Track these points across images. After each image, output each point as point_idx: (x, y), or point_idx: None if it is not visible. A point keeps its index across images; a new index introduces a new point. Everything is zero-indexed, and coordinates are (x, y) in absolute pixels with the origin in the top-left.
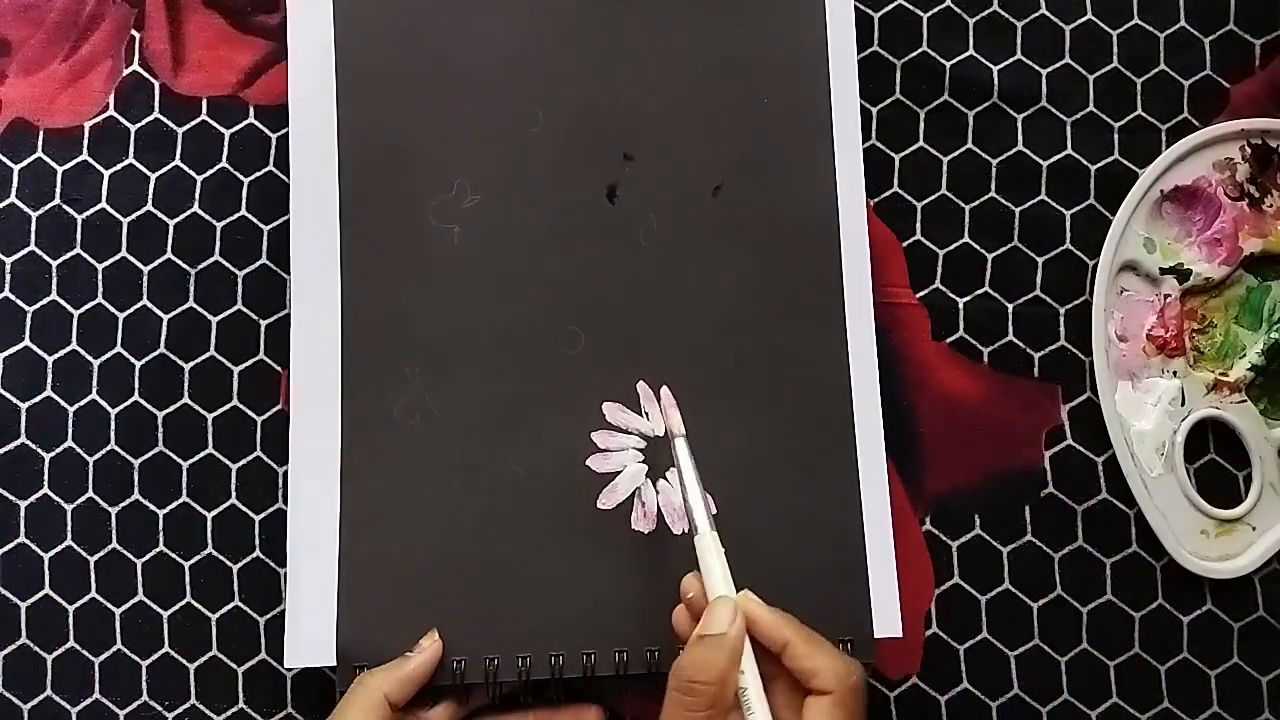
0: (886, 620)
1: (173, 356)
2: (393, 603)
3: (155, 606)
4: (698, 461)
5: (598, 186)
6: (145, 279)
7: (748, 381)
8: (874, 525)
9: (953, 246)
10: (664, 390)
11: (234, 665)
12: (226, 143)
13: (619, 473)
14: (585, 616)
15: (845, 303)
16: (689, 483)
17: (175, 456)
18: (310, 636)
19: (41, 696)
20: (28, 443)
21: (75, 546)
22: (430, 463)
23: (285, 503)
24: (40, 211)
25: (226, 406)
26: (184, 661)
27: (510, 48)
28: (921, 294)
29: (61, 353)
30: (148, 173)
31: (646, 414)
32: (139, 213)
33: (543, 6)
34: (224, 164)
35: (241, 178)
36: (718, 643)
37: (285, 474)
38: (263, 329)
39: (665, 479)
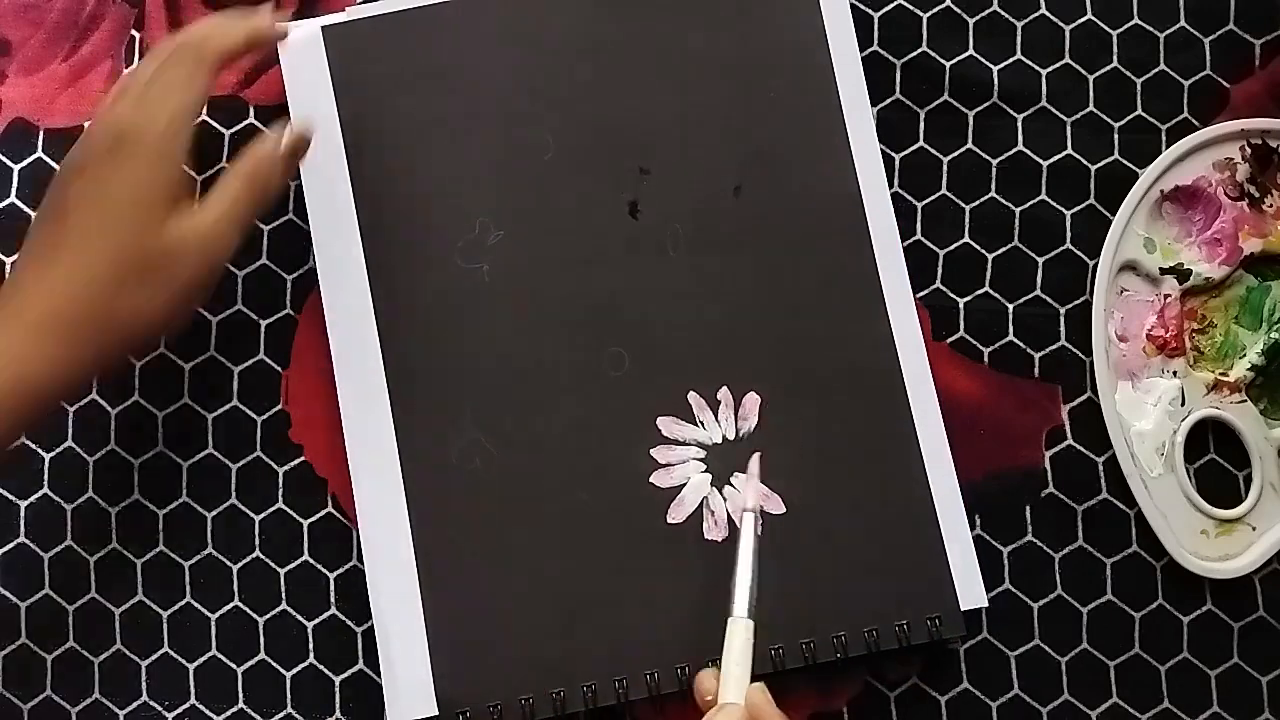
0: (970, 591)
1: (173, 357)
2: (482, 645)
3: (155, 607)
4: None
5: (618, 204)
6: None
7: (797, 375)
8: (944, 499)
9: (953, 246)
10: (754, 460)
11: (234, 665)
12: (226, 143)
13: (684, 485)
14: (673, 631)
15: (882, 281)
16: (744, 560)
17: (175, 456)
18: (409, 690)
19: (41, 696)
20: (27, 442)
21: (75, 547)
22: (496, 501)
23: (285, 505)
24: None
25: (226, 406)
26: (184, 662)
27: (510, 79)
28: (922, 294)
29: None
30: None
31: (701, 423)
32: None
33: (537, 34)
34: (224, 164)
35: None
36: None
37: (285, 475)
38: (263, 329)
39: (731, 485)
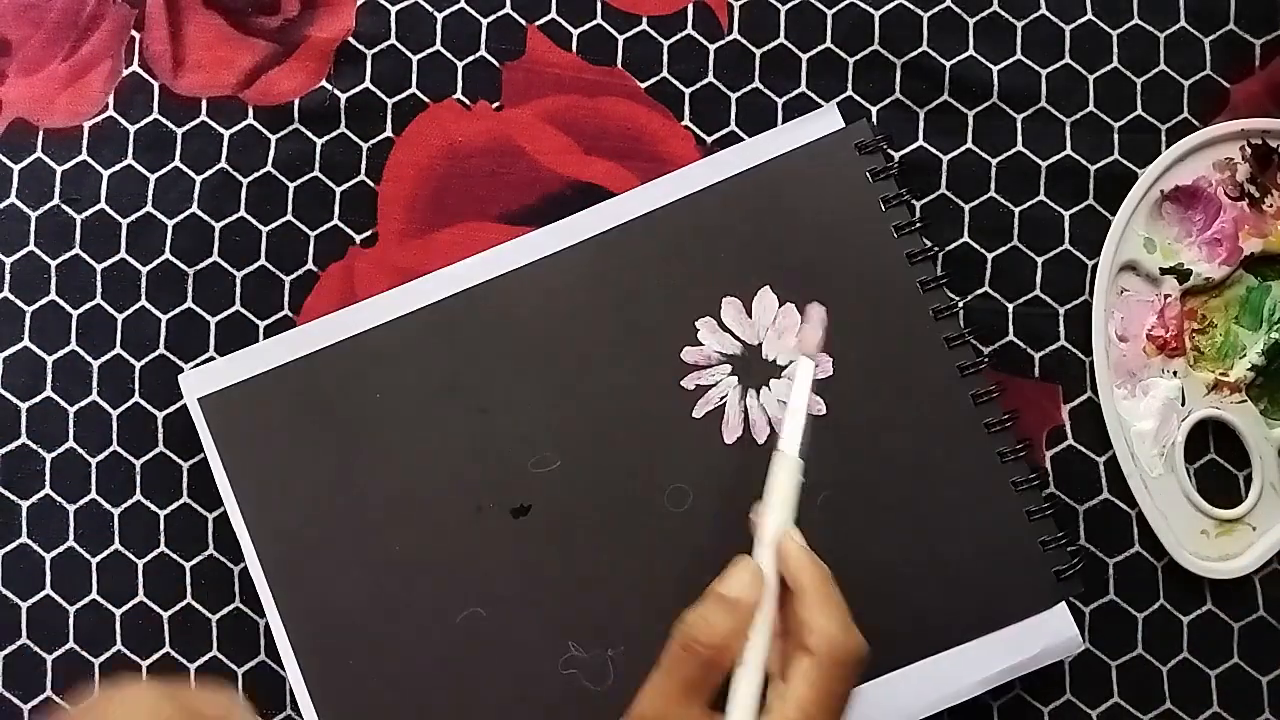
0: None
1: (172, 357)
2: None
3: (155, 607)
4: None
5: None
6: (144, 279)
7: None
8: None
9: (953, 246)
10: (815, 308)
11: (234, 666)
12: (226, 143)
13: None
14: None
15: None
16: (797, 400)
17: (175, 458)
18: None
19: (41, 697)
20: (28, 443)
21: (77, 547)
22: None
23: None
24: (39, 211)
25: None
26: (184, 662)
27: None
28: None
29: (61, 353)
30: (147, 173)
31: None
32: (138, 213)
33: None
34: (223, 164)
35: (241, 178)
36: (728, 606)
37: None
38: (261, 330)
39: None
